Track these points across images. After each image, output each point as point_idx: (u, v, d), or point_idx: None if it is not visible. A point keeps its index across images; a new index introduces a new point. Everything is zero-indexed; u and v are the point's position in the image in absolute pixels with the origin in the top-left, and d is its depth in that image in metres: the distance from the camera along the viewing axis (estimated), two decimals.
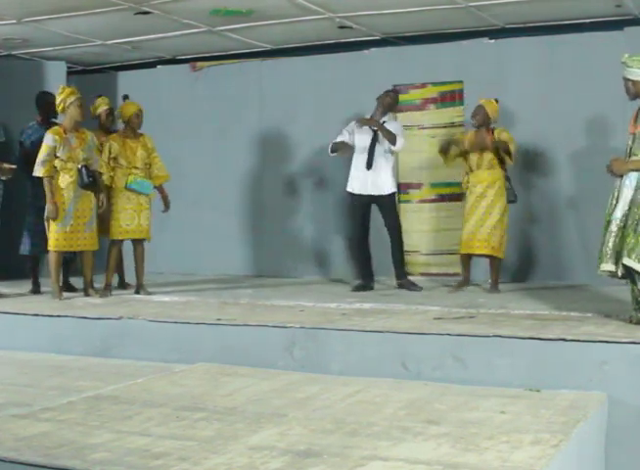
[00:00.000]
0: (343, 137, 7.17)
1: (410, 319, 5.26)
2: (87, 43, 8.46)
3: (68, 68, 9.08)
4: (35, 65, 8.89)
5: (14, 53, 8.81)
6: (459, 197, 7.65)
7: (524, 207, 7.67)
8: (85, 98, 6.84)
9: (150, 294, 6.94)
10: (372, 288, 7.20)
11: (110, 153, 6.87)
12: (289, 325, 5.07)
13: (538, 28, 7.72)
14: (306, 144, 8.60)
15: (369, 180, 7.07)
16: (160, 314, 5.72)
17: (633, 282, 4.68)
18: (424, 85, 8.24)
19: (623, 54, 4.85)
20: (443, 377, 4.50)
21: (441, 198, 8.12)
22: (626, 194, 4.68)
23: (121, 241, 7.00)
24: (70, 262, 7.32)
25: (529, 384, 4.27)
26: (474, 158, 6.87)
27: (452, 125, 8.02)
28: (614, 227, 4.69)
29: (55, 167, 6.55)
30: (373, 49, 8.35)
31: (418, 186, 8.27)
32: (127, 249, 7.29)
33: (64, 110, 6.66)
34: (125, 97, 7.14)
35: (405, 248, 7.35)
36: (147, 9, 7.13)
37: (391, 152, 7.07)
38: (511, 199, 6.83)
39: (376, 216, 7.26)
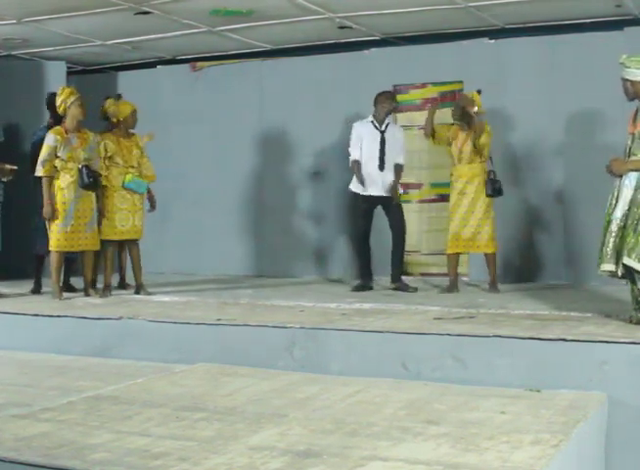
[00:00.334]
0: (359, 144, 7.13)
1: (410, 319, 5.26)
2: (87, 43, 8.46)
3: (68, 68, 9.08)
4: (35, 65, 8.89)
5: (14, 53, 8.81)
6: None
7: (524, 206, 7.68)
8: (85, 98, 6.84)
9: (150, 294, 6.94)
10: (371, 288, 7.21)
11: (106, 152, 6.86)
12: (289, 325, 5.07)
13: (538, 28, 7.72)
14: (306, 144, 8.61)
15: (380, 181, 7.08)
16: (160, 314, 5.72)
17: (633, 282, 4.68)
18: (424, 85, 8.25)
19: (622, 54, 4.85)
20: (443, 377, 4.50)
21: (441, 198, 8.11)
22: (626, 194, 4.68)
23: (116, 241, 7.01)
24: (72, 262, 7.32)
25: (529, 384, 4.27)
26: (454, 151, 6.87)
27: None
28: (614, 227, 4.69)
29: (55, 168, 6.56)
30: (373, 49, 8.35)
31: (418, 186, 8.28)
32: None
33: (65, 110, 6.66)
34: (119, 96, 7.12)
35: (405, 248, 7.35)
36: (147, 9, 7.13)
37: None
38: (488, 193, 6.74)
39: (375, 218, 7.26)
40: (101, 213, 6.84)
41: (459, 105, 6.89)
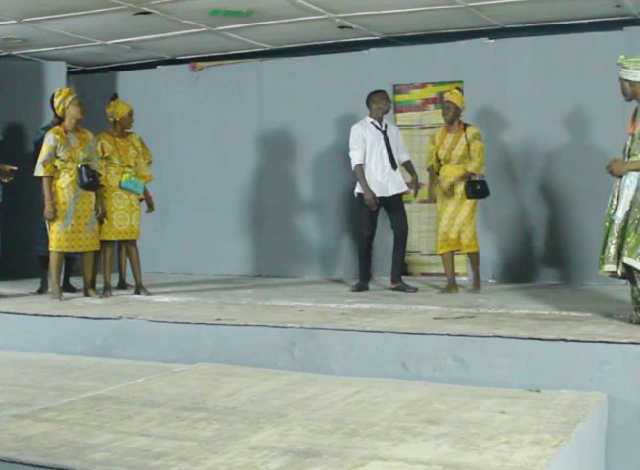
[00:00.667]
0: (362, 149, 7.11)
1: (410, 319, 5.26)
2: (87, 43, 8.46)
3: (68, 68, 9.09)
4: (35, 65, 8.89)
5: (14, 53, 8.81)
6: None
7: (523, 206, 7.68)
8: (84, 98, 6.84)
9: (150, 294, 6.94)
10: (367, 288, 7.21)
11: (102, 152, 6.86)
12: (289, 325, 5.07)
13: (538, 28, 7.72)
14: (306, 144, 8.61)
15: (388, 181, 7.08)
16: (160, 314, 5.72)
17: (633, 282, 4.68)
18: (424, 85, 8.25)
19: (620, 55, 4.85)
20: (443, 377, 4.50)
21: None
22: (627, 194, 4.68)
23: (114, 241, 7.02)
24: (73, 262, 7.31)
25: (529, 384, 4.27)
26: (442, 152, 6.87)
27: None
28: (615, 227, 4.69)
29: (55, 168, 6.56)
30: (373, 49, 8.35)
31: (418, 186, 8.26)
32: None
33: (63, 111, 6.66)
34: (115, 96, 7.11)
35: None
36: (147, 9, 7.13)
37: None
38: (468, 195, 6.74)
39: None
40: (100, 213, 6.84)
41: (451, 107, 6.85)
